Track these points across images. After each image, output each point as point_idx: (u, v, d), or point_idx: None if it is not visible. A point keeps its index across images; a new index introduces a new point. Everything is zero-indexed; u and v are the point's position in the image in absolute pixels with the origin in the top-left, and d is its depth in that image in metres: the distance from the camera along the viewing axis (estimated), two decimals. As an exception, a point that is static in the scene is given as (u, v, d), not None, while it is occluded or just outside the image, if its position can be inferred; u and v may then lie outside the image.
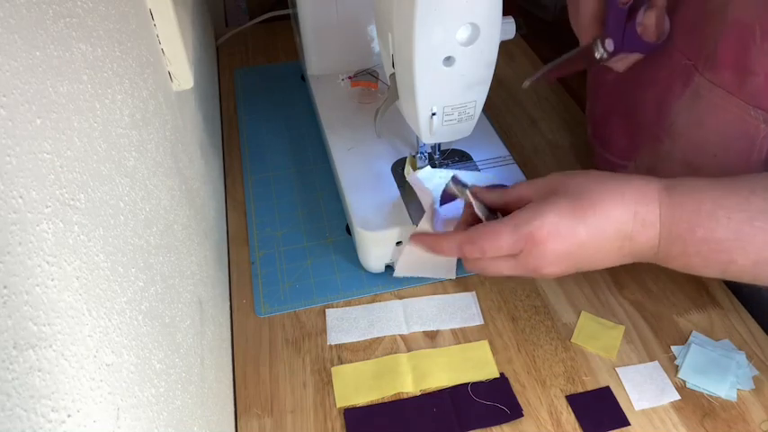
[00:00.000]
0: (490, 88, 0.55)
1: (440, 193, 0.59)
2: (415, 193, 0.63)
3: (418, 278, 0.63)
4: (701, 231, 0.42)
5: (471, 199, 0.51)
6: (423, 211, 0.59)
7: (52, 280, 0.22)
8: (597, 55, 0.55)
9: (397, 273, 0.62)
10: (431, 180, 0.62)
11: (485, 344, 0.57)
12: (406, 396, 0.53)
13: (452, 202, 0.58)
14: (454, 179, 0.55)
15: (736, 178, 0.43)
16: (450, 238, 0.49)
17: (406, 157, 0.66)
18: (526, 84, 0.59)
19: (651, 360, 0.55)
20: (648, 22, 0.53)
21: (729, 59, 0.50)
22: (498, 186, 0.52)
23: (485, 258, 0.47)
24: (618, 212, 0.43)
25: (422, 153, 0.64)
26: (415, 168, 0.64)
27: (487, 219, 0.50)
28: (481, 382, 0.54)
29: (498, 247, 0.45)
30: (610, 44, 0.54)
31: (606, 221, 0.43)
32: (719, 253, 0.42)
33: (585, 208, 0.44)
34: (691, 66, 0.53)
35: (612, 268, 0.63)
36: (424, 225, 0.58)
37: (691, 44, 0.54)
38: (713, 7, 0.51)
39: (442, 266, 0.62)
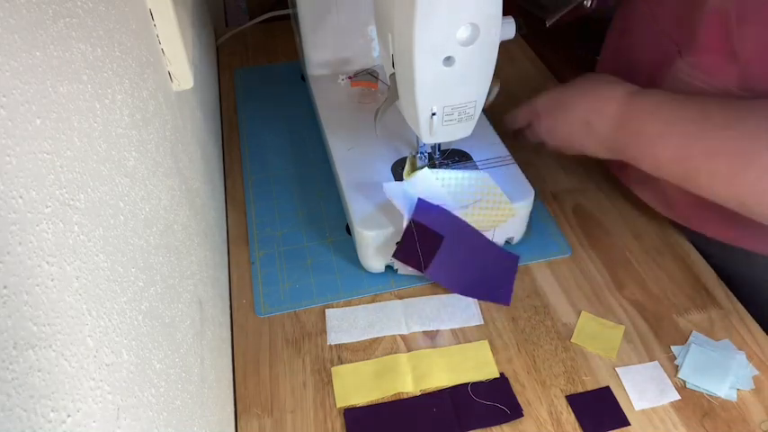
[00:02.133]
0: (495, 86, 0.55)
1: (439, 196, 0.60)
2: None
3: (419, 278, 0.63)
4: (637, 123, 0.54)
5: None
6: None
7: (52, 280, 0.22)
8: (587, 3, 0.69)
9: (402, 270, 0.62)
10: (427, 183, 0.62)
11: (485, 344, 0.57)
12: (406, 396, 0.53)
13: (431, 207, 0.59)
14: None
15: (696, 97, 0.52)
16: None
17: (405, 157, 0.66)
18: (549, 22, 0.77)
19: (651, 360, 0.55)
20: None
21: (710, 44, 0.52)
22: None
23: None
24: (580, 97, 0.60)
25: (422, 153, 0.64)
26: (415, 168, 0.64)
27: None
28: (481, 382, 0.54)
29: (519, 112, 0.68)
30: None
31: (574, 105, 0.60)
32: (647, 147, 0.53)
33: (567, 88, 0.62)
34: (675, 50, 0.57)
35: (612, 268, 0.63)
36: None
37: (676, 29, 0.57)
38: None
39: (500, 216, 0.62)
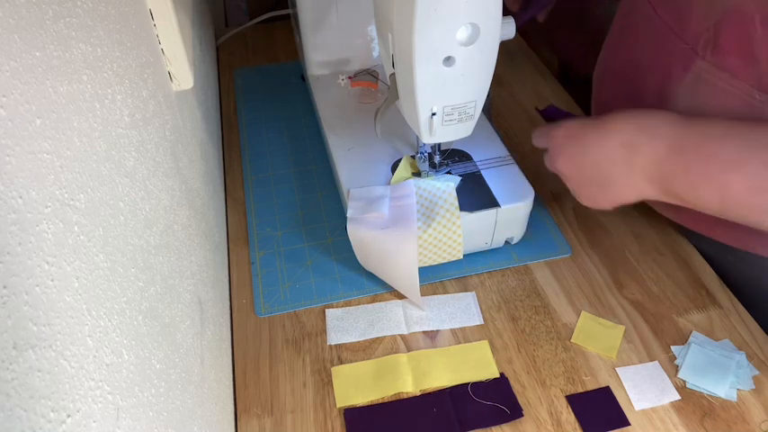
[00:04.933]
0: (490, 88, 0.55)
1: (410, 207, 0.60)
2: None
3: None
4: (708, 147, 0.46)
5: None
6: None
7: (52, 280, 0.22)
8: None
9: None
10: (408, 192, 0.62)
11: (485, 344, 0.57)
12: (406, 396, 0.53)
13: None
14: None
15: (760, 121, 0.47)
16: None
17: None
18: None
19: (651, 360, 0.55)
20: None
21: (733, 46, 0.50)
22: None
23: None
24: (621, 122, 0.52)
25: (422, 153, 0.64)
26: (415, 169, 0.64)
27: None
28: (481, 382, 0.54)
29: (542, 133, 0.59)
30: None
31: (611, 130, 0.52)
32: (719, 173, 0.46)
33: (594, 121, 0.54)
34: (688, 50, 0.54)
35: (612, 268, 0.63)
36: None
37: (689, 29, 0.54)
38: None
39: (446, 251, 0.62)
